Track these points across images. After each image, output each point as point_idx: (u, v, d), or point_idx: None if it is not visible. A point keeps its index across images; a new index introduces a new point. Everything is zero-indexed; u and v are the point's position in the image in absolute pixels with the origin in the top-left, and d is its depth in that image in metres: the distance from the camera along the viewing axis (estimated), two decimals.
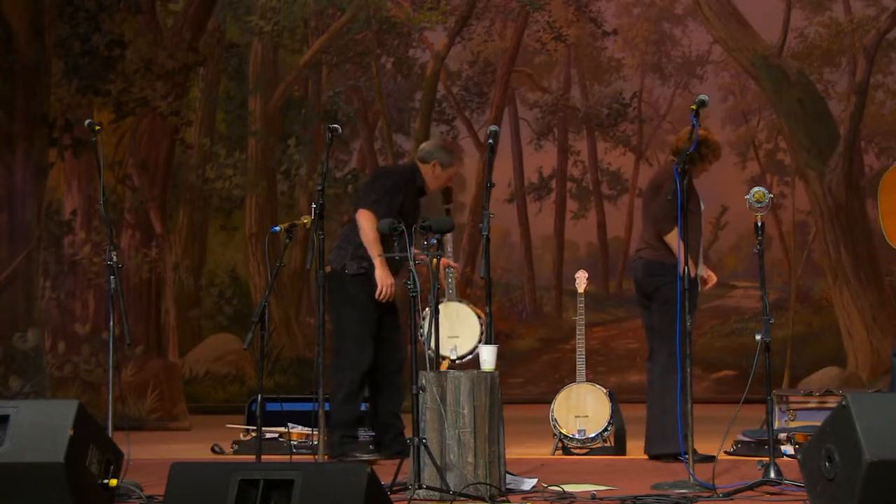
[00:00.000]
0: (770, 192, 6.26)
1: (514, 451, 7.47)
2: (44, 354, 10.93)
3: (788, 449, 7.59)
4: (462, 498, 5.64)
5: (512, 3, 13.90)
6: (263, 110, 13.99)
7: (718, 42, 13.59)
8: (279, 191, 13.92)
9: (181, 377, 11.89)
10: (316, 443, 6.71)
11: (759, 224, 6.24)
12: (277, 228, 6.50)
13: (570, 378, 8.44)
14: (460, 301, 7.78)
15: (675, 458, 7.04)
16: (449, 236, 7.73)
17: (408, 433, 6.17)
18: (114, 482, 5.42)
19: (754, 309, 13.31)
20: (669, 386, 7.06)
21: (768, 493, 5.87)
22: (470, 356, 7.52)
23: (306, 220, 6.55)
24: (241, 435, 8.51)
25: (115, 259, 6.31)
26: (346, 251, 7.69)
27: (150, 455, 7.58)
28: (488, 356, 6.04)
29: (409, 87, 14.07)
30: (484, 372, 5.97)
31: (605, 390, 8.20)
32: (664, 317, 7.42)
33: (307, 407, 8.05)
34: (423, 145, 8.10)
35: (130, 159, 11.39)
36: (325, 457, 6.89)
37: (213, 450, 8.49)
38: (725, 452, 7.63)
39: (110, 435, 5.88)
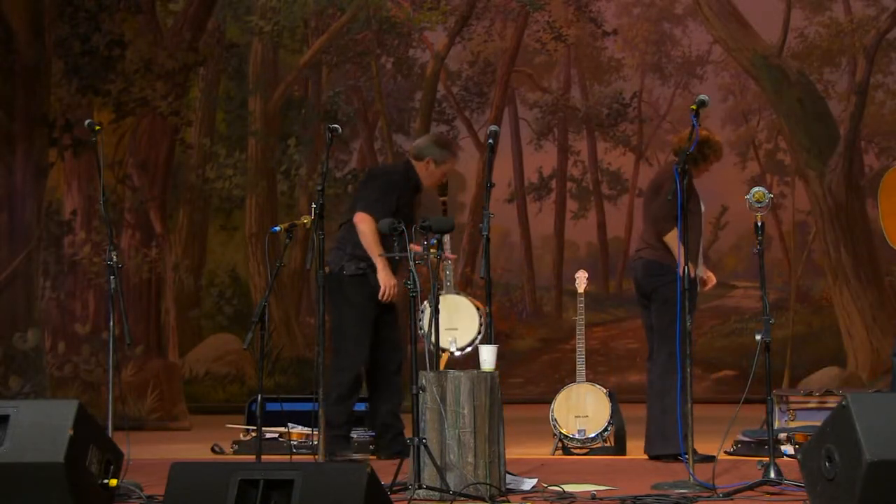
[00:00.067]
0: (770, 192, 6.26)
1: (514, 451, 7.47)
2: (44, 354, 10.93)
3: (788, 449, 7.59)
4: (462, 498, 5.64)
5: (512, 3, 13.90)
6: (263, 110, 13.99)
7: (718, 42, 13.59)
8: (279, 191, 13.92)
9: (181, 377, 11.89)
10: (316, 443, 6.71)
11: (759, 224, 6.24)
12: (277, 228, 6.50)
13: (570, 378, 8.44)
14: (459, 293, 7.74)
15: (675, 458, 7.04)
16: None
17: (408, 433, 6.17)
18: (114, 482, 5.42)
19: (754, 309, 13.31)
20: (669, 386, 7.06)
21: (768, 493, 5.87)
22: (470, 348, 7.48)
23: (306, 220, 6.55)
24: (241, 435, 8.51)
25: (115, 259, 6.31)
26: (344, 252, 7.68)
27: (150, 455, 7.58)
28: (488, 356, 6.03)
29: (409, 87, 14.07)
30: (484, 372, 5.97)
31: (605, 390, 8.20)
32: (664, 317, 7.42)
33: (307, 407, 8.04)
34: (417, 142, 8.08)
35: (130, 159, 11.39)
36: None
37: (213, 450, 8.49)
38: (725, 452, 7.63)
39: (110, 435, 5.88)
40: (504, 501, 5.74)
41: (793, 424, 8.20)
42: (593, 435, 8.08)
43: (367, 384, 7.92)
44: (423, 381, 5.84)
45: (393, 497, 5.30)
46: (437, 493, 5.65)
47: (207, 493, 4.76)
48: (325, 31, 13.93)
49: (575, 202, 14.07)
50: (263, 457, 6.50)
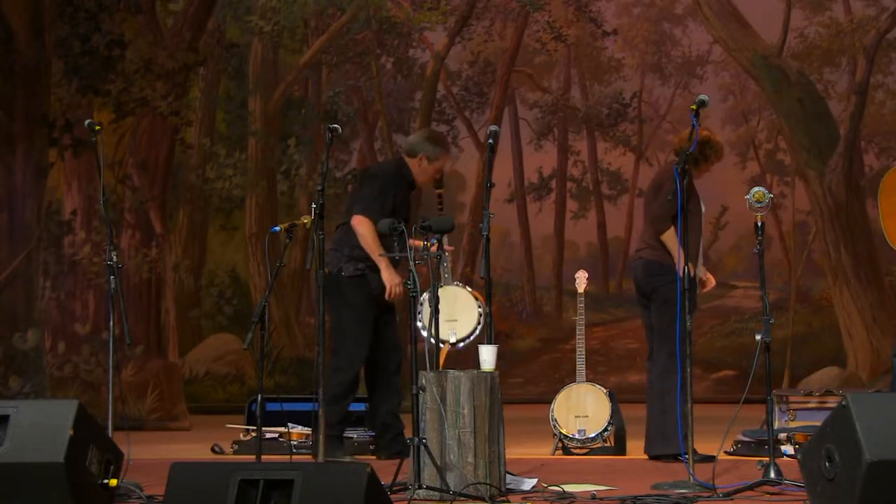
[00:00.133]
0: (770, 192, 6.26)
1: (514, 451, 7.47)
2: (44, 354, 10.93)
3: (788, 449, 7.59)
4: (462, 498, 5.64)
5: (512, 3, 13.90)
6: (263, 110, 13.99)
7: (718, 42, 13.59)
8: (279, 191, 13.92)
9: (181, 377, 11.89)
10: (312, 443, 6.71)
11: (759, 224, 6.24)
12: (277, 228, 6.50)
13: (570, 378, 8.44)
14: (457, 285, 7.70)
15: (675, 458, 7.04)
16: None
17: (408, 433, 6.16)
18: (114, 482, 5.43)
19: (754, 309, 13.31)
20: (669, 386, 7.07)
21: (768, 493, 5.87)
22: (470, 339, 7.46)
23: (306, 220, 6.55)
24: (241, 435, 8.51)
25: (115, 259, 6.31)
26: (342, 254, 7.67)
27: (150, 455, 7.58)
28: (488, 356, 6.03)
29: (409, 87, 14.07)
30: (484, 372, 5.97)
31: (605, 390, 8.19)
32: (663, 317, 7.43)
33: (307, 407, 8.04)
34: (409, 138, 8.07)
35: (130, 159, 11.39)
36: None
37: (213, 450, 8.49)
38: (725, 452, 7.63)
39: (110, 435, 5.88)
40: (504, 501, 5.74)
41: (793, 424, 8.20)
42: (593, 435, 8.08)
43: (366, 384, 7.92)
44: (423, 381, 5.84)
45: (393, 497, 5.30)
46: (437, 493, 5.65)
47: (207, 493, 4.76)
48: (325, 31, 13.93)
49: (575, 202, 14.07)
50: (263, 457, 6.50)
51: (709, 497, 5.74)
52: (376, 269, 7.64)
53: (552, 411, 8.16)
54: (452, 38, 13.97)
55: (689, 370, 6.14)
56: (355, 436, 8.25)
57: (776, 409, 8.16)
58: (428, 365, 6.00)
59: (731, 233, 13.61)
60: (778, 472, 6.02)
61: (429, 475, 5.73)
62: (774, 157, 13.75)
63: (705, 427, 6.72)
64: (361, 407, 8.25)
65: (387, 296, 7.56)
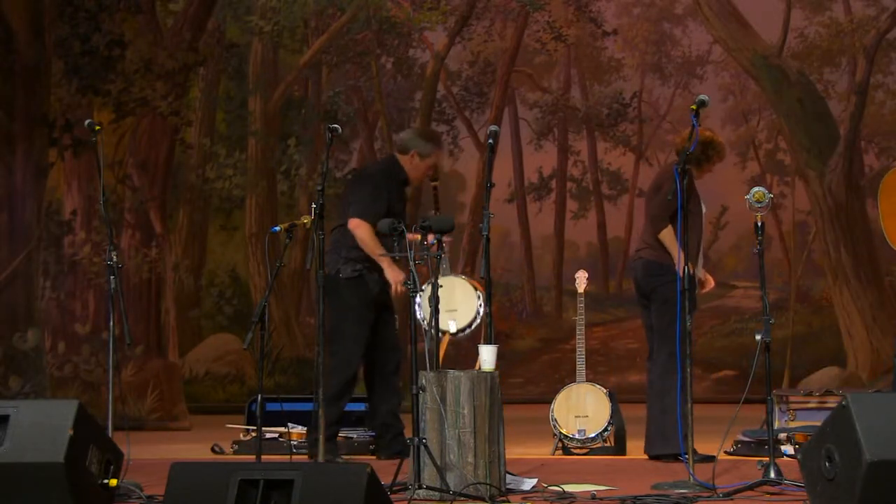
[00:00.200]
0: (770, 192, 6.26)
1: (514, 451, 7.47)
2: (44, 354, 10.93)
3: (788, 449, 7.59)
4: (462, 498, 5.64)
5: (512, 3, 13.90)
6: (263, 110, 13.99)
7: (718, 42, 13.59)
8: (279, 191, 13.92)
9: (181, 377, 11.89)
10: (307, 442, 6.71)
11: (759, 224, 6.24)
12: (277, 228, 6.50)
13: (570, 378, 8.44)
14: (456, 275, 7.68)
15: (675, 458, 7.04)
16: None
17: (408, 433, 6.16)
18: (114, 482, 5.43)
19: (754, 309, 13.31)
20: (669, 386, 7.07)
21: (768, 493, 5.87)
22: (470, 329, 7.44)
23: (306, 220, 6.55)
24: (241, 435, 8.51)
25: (115, 259, 6.31)
26: (339, 255, 7.66)
27: (150, 455, 7.58)
28: (488, 356, 6.03)
29: (409, 87, 14.08)
30: (484, 372, 5.97)
31: (605, 390, 8.19)
32: (663, 317, 7.43)
33: (307, 407, 8.04)
34: (401, 135, 8.06)
35: (130, 159, 11.39)
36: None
37: (213, 450, 8.50)
38: (725, 452, 7.63)
39: (110, 435, 5.89)
40: (504, 501, 5.74)
41: (793, 424, 8.20)
42: (593, 435, 8.08)
43: (365, 385, 7.92)
44: (423, 381, 5.84)
45: (393, 497, 5.30)
46: (437, 493, 5.65)
47: (207, 493, 4.76)
48: (325, 31, 13.93)
49: (575, 202, 14.07)
50: (263, 457, 6.50)
51: (709, 497, 5.74)
52: (374, 270, 7.64)
53: (552, 411, 8.16)
54: (452, 38, 13.97)
55: (689, 370, 6.14)
56: (355, 436, 8.25)
57: (776, 409, 8.16)
58: (428, 364, 6.00)
59: (731, 233, 13.61)
60: (778, 472, 6.02)
61: (429, 475, 5.73)
62: (774, 157, 13.75)
63: (705, 427, 6.72)
64: (361, 407, 8.26)
65: (393, 293, 7.56)
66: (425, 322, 6.52)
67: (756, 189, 6.25)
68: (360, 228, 7.55)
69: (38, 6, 10.98)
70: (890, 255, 12.06)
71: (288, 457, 7.14)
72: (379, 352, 7.76)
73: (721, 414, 6.56)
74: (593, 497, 5.73)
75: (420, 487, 5.67)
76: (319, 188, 6.45)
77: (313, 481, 4.69)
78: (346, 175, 13.79)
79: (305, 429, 8.04)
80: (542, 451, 8.29)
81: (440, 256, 6.38)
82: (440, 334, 6.97)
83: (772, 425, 6.48)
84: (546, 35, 13.97)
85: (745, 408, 6.33)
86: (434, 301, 6.13)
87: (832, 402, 8.03)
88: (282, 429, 8.22)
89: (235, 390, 13.52)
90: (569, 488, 5.97)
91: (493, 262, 6.77)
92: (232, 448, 8.43)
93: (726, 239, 13.67)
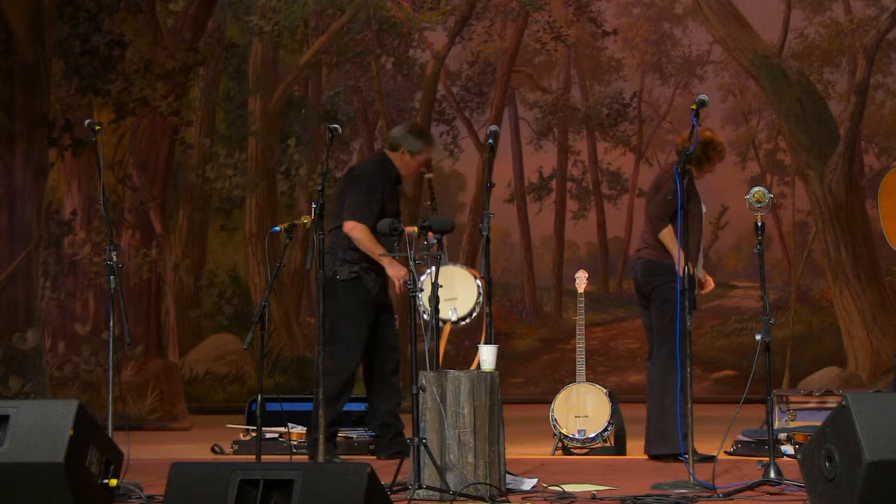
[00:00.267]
0: (770, 192, 6.27)
1: (514, 451, 7.47)
2: (44, 354, 10.93)
3: (788, 449, 7.59)
4: (462, 498, 5.64)
5: (512, 3, 13.90)
6: (263, 110, 13.99)
7: (718, 42, 13.58)
8: (279, 191, 13.92)
9: (181, 377, 11.88)
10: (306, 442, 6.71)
11: (759, 224, 6.25)
12: (277, 229, 6.50)
13: (570, 378, 8.44)
14: (454, 264, 7.67)
15: (675, 458, 7.04)
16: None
17: (408, 433, 6.16)
18: (114, 482, 5.43)
19: (754, 309, 13.31)
20: (669, 386, 7.07)
21: (768, 493, 5.87)
22: (470, 318, 7.43)
23: (306, 220, 6.55)
24: (241, 435, 8.51)
25: (115, 259, 6.31)
26: (336, 257, 7.66)
27: (150, 455, 7.59)
28: (488, 356, 6.03)
29: (409, 87, 14.07)
30: (484, 372, 5.97)
31: (605, 390, 8.19)
32: (663, 316, 7.43)
33: (307, 407, 8.05)
34: (392, 132, 8.02)
35: (130, 159, 11.39)
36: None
37: (213, 450, 8.50)
38: (725, 452, 7.63)
39: (110, 435, 5.89)
40: (504, 501, 5.75)
41: (793, 424, 8.20)
42: (593, 435, 8.08)
43: (365, 385, 7.92)
44: (423, 381, 5.84)
45: (393, 497, 5.30)
46: (437, 493, 5.65)
47: (207, 493, 4.76)
48: (325, 31, 13.93)
49: (575, 202, 14.06)
50: (263, 457, 6.50)
51: (709, 497, 5.74)
52: (371, 271, 7.63)
53: (552, 411, 8.16)
54: (452, 38, 13.97)
55: (689, 370, 6.14)
56: (355, 436, 8.25)
57: (776, 409, 8.16)
58: (428, 363, 6.00)
59: (731, 233, 13.61)
60: (778, 472, 6.02)
61: (429, 475, 5.73)
62: (774, 157, 13.74)
63: (705, 427, 6.73)
64: (361, 407, 8.26)
65: (397, 290, 7.56)
66: (426, 314, 6.51)
67: (756, 189, 6.25)
68: (355, 230, 7.54)
69: (38, 6, 10.98)
70: (890, 255, 12.06)
71: (288, 457, 7.14)
72: (378, 352, 7.76)
73: (721, 414, 6.57)
74: (593, 497, 5.73)
75: (420, 487, 5.67)
76: (319, 188, 6.46)
77: (313, 481, 4.69)
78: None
79: (305, 429, 8.04)
80: (542, 451, 8.28)
81: (440, 256, 6.38)
82: (441, 323, 6.98)
83: (772, 425, 6.49)
84: (546, 35, 13.97)
85: (745, 408, 6.33)
86: (434, 301, 6.13)
87: (832, 402, 8.03)
88: (282, 429, 8.22)
89: (235, 390, 13.51)
90: (569, 488, 5.97)
91: (493, 262, 6.78)
92: (232, 448, 8.43)
93: (726, 239, 13.66)
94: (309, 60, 14.01)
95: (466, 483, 5.71)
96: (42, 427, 5.18)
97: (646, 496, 5.73)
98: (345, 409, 7.79)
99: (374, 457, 7.82)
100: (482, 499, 5.64)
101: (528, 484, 6.09)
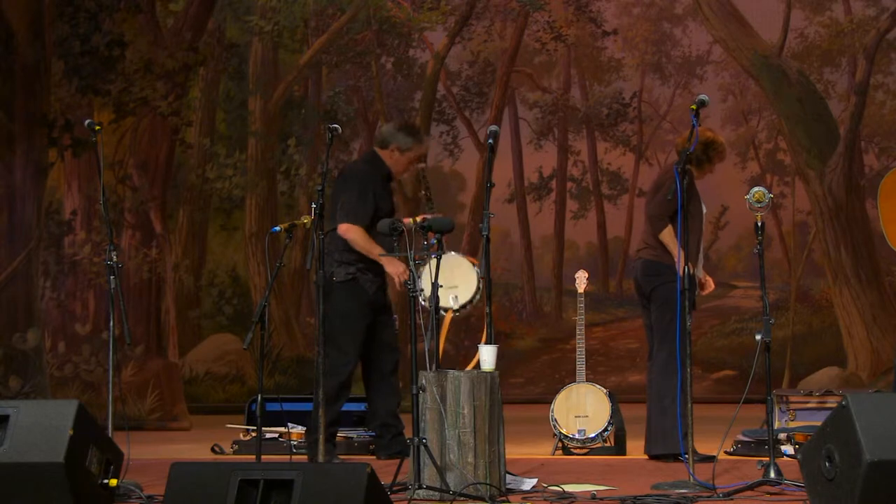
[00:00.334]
0: (770, 192, 6.27)
1: (514, 451, 7.47)
2: (44, 354, 10.93)
3: (788, 449, 7.59)
4: (462, 498, 5.64)
5: (512, 3, 13.90)
6: (263, 110, 13.99)
7: (718, 42, 13.59)
8: (279, 191, 13.92)
9: (181, 377, 11.88)
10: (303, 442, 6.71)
11: (759, 224, 6.24)
12: (277, 229, 6.50)
13: (570, 378, 8.44)
14: (454, 253, 7.64)
15: (675, 458, 7.04)
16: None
17: (408, 433, 6.16)
18: (114, 482, 5.43)
19: (754, 309, 13.31)
20: (669, 386, 7.07)
21: (768, 493, 5.87)
22: (471, 304, 7.42)
23: (306, 220, 6.55)
24: (241, 435, 8.51)
25: (115, 259, 6.31)
26: (332, 258, 7.64)
27: (150, 455, 7.59)
28: (488, 356, 6.03)
29: (409, 87, 14.07)
30: (484, 372, 5.97)
31: (605, 390, 8.19)
32: (663, 316, 7.43)
33: (307, 407, 8.04)
34: (382, 129, 7.97)
35: (130, 159, 11.39)
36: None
37: (213, 450, 8.49)
38: (725, 452, 7.63)
39: (110, 435, 5.89)
40: (504, 501, 5.74)
41: (793, 424, 8.20)
42: (593, 435, 8.08)
43: (364, 385, 7.91)
44: (423, 381, 5.84)
45: (393, 497, 5.30)
46: (437, 493, 5.65)
47: (207, 493, 4.76)
48: (325, 31, 13.93)
49: (575, 202, 14.06)
50: (263, 457, 6.50)
51: (709, 497, 5.74)
52: (368, 271, 7.62)
53: (552, 411, 8.16)
54: (452, 38, 13.97)
55: (689, 370, 6.14)
56: (355, 436, 8.25)
57: (776, 409, 8.16)
58: (428, 365, 6.00)
59: (731, 233, 13.61)
60: (778, 472, 6.02)
61: (429, 475, 5.73)
62: (774, 157, 13.75)
63: (705, 427, 6.73)
64: (361, 407, 8.26)
65: (397, 287, 7.55)
66: (426, 302, 6.51)
67: (756, 189, 6.25)
68: (350, 232, 7.53)
69: (38, 6, 10.98)
70: (890, 256, 12.07)
71: (288, 457, 7.14)
72: (377, 352, 7.76)
73: (721, 414, 6.57)
74: (593, 497, 5.73)
75: (420, 487, 5.67)
76: (319, 188, 6.45)
77: (313, 481, 4.69)
78: None
79: (305, 429, 8.04)
80: (542, 451, 8.28)
81: (440, 256, 6.38)
82: (442, 311, 6.97)
83: (772, 425, 6.48)
84: (546, 35, 13.97)
85: (745, 408, 6.33)
86: (434, 301, 6.13)
87: (832, 402, 8.03)
88: (282, 429, 8.22)
89: (235, 390, 13.52)
90: (569, 488, 5.97)
91: (493, 262, 6.77)
92: (232, 448, 8.43)
93: (726, 239, 13.67)
94: (309, 60, 14.01)
95: (466, 483, 5.71)
96: (42, 427, 5.18)
97: (646, 496, 5.73)
98: (344, 409, 7.79)
99: (374, 457, 7.82)
100: (482, 499, 5.64)
101: (528, 484, 6.09)
